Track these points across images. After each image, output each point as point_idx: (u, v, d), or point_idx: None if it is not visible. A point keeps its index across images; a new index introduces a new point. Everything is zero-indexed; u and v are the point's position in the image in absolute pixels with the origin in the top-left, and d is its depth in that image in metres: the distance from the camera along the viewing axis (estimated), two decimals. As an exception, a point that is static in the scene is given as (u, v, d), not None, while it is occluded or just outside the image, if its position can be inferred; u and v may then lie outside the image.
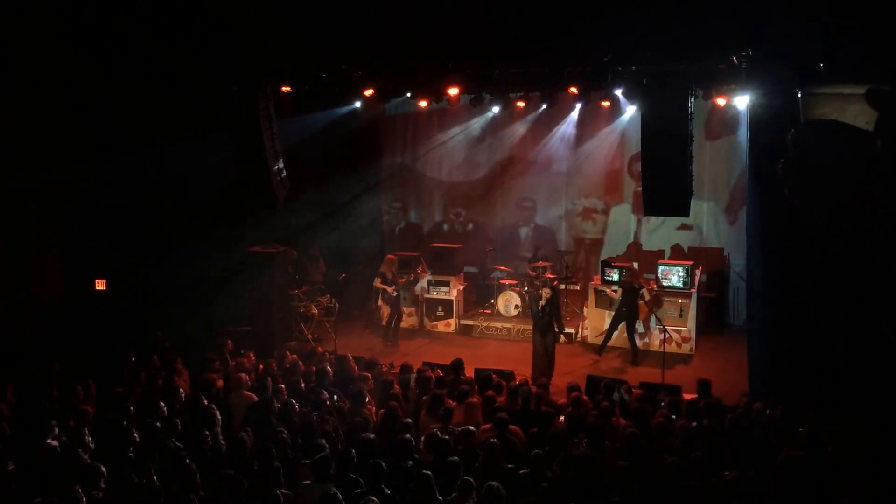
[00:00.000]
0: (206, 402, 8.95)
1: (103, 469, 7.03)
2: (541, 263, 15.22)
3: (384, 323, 14.24)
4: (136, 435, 8.10)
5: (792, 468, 6.80)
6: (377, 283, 14.24)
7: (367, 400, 9.12)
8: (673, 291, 13.42)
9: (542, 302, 12.11)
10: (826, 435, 7.67)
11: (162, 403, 8.80)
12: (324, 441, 7.70)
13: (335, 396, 9.29)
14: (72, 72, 11.97)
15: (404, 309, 14.93)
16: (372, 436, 7.83)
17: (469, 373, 10.73)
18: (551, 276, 15.09)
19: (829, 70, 7.45)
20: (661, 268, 13.67)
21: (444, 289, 15.01)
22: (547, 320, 12.16)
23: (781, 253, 9.48)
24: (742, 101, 11.72)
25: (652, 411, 8.95)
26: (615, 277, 13.61)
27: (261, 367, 10.56)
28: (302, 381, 10.05)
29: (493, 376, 10.08)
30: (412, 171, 17.62)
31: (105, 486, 6.91)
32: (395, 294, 14.13)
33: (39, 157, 12.36)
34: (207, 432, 7.96)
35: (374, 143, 17.25)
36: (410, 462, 7.23)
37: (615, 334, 13.40)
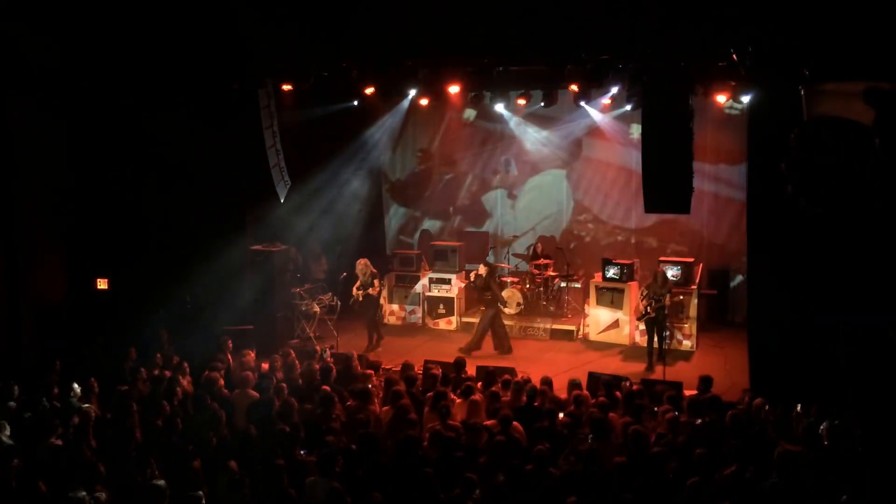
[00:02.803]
0: (209, 400, 8.99)
1: (103, 468, 7.06)
2: (542, 261, 15.25)
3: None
4: (138, 434, 8.14)
5: (788, 463, 6.85)
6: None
7: (373, 398, 9.17)
8: (674, 288, 13.43)
9: (472, 276, 13.33)
10: (824, 431, 7.73)
11: (165, 402, 8.84)
12: (329, 438, 7.74)
13: (340, 394, 9.32)
14: (72, 70, 11.98)
15: (410, 308, 15.13)
16: (377, 433, 7.87)
17: (471, 370, 10.77)
18: (553, 274, 15.14)
19: (832, 67, 7.47)
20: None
21: (446, 286, 15.03)
22: (490, 296, 13.15)
23: (783, 250, 9.52)
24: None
25: (653, 408, 9.00)
26: (611, 273, 13.79)
27: (264, 365, 10.58)
28: (306, 379, 10.08)
29: (496, 373, 10.14)
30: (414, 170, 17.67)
31: (108, 485, 6.95)
32: (361, 299, 13.94)
33: (39, 156, 12.39)
34: (213, 432, 7.99)
35: (375, 141, 17.23)
36: (415, 459, 7.26)
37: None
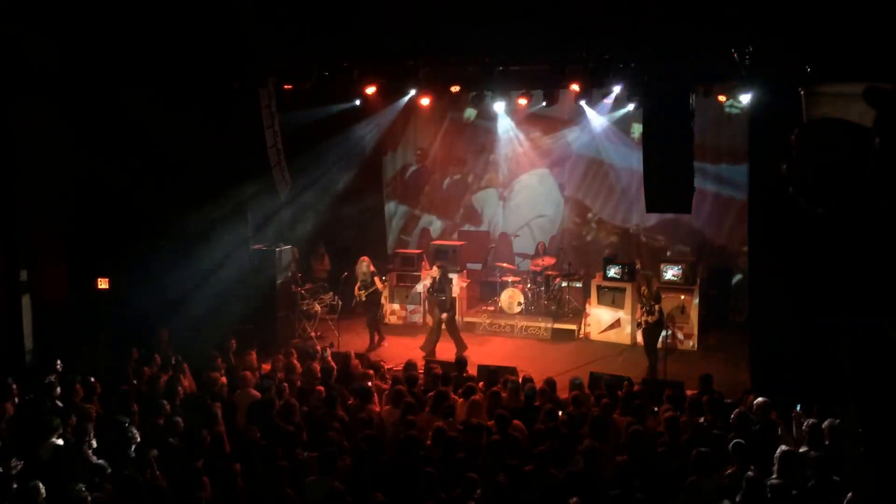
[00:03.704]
0: (209, 400, 8.99)
1: (107, 468, 7.07)
2: (544, 261, 15.26)
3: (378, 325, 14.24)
4: (138, 433, 8.14)
5: (789, 463, 6.84)
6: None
7: (373, 398, 9.17)
8: (675, 288, 13.44)
9: (428, 282, 13.38)
10: (826, 431, 7.73)
11: (166, 402, 8.84)
12: (329, 437, 7.74)
13: (341, 394, 9.32)
14: (72, 70, 11.98)
15: (411, 307, 15.11)
16: (377, 433, 7.86)
17: (472, 370, 10.77)
18: (553, 273, 15.14)
19: (832, 68, 7.47)
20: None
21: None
22: (443, 299, 13.04)
23: (784, 250, 9.51)
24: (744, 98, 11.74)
25: (653, 408, 9.00)
26: (612, 273, 13.73)
27: (265, 365, 10.57)
28: (306, 378, 10.08)
29: (498, 373, 10.14)
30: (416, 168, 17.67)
31: (109, 485, 6.95)
32: (364, 299, 13.96)
33: (39, 156, 12.39)
34: (209, 430, 8.00)
35: (375, 140, 17.24)
36: (416, 458, 7.26)
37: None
